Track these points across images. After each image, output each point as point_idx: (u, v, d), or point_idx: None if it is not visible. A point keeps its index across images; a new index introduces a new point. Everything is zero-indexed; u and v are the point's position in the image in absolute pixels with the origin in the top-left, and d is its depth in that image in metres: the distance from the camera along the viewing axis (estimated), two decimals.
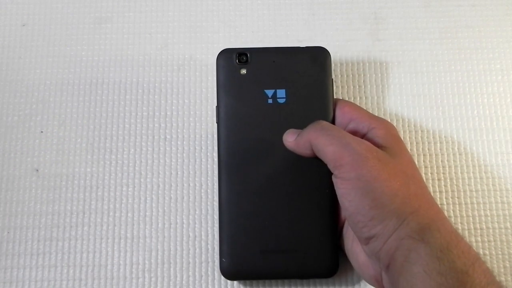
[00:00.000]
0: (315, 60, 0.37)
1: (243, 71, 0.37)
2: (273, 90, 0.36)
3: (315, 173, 0.35)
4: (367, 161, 0.30)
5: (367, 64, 0.42)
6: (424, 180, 0.34)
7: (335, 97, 0.37)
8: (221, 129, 0.36)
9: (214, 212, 0.39)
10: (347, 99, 0.41)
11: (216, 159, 0.39)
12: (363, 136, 0.34)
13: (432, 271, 0.27)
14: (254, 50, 0.37)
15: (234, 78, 0.37)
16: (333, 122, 0.36)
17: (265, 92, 0.36)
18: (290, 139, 0.34)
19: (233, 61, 0.37)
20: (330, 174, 0.34)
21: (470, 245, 0.29)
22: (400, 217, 0.30)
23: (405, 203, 0.30)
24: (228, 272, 0.35)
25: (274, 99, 0.36)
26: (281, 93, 0.36)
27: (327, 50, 0.37)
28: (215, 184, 0.39)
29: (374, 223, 0.30)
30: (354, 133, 0.34)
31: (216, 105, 0.37)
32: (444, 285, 0.27)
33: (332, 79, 0.37)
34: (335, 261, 0.35)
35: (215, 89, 0.41)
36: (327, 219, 0.35)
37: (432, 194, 0.33)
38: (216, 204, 0.38)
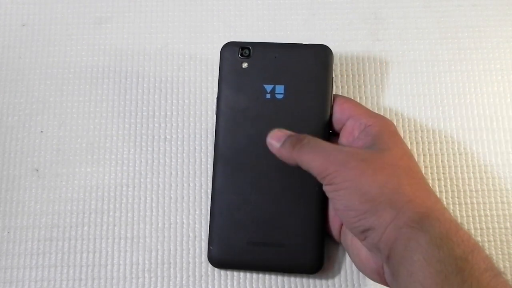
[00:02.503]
0: (316, 57, 0.37)
1: (245, 65, 0.37)
2: (272, 86, 0.36)
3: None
4: (349, 163, 0.31)
5: (367, 64, 0.42)
6: (423, 172, 0.34)
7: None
8: (219, 121, 0.37)
9: None
10: None
11: None
12: (360, 133, 0.34)
13: (432, 259, 0.28)
14: (257, 44, 0.37)
15: (236, 71, 0.37)
16: (330, 120, 0.36)
17: (264, 87, 0.37)
18: (275, 144, 0.34)
19: (236, 54, 0.37)
20: None
21: (470, 234, 0.29)
22: (395, 207, 0.30)
23: (398, 193, 0.30)
24: (215, 260, 0.36)
25: (272, 95, 0.36)
26: (279, 88, 0.36)
27: (330, 49, 0.37)
28: None
29: (366, 216, 0.30)
30: (351, 130, 0.35)
31: (217, 96, 0.37)
32: (443, 272, 0.27)
33: (333, 77, 0.37)
34: (320, 258, 0.35)
35: (215, 89, 0.41)
36: (314, 217, 0.35)
37: None
38: None
